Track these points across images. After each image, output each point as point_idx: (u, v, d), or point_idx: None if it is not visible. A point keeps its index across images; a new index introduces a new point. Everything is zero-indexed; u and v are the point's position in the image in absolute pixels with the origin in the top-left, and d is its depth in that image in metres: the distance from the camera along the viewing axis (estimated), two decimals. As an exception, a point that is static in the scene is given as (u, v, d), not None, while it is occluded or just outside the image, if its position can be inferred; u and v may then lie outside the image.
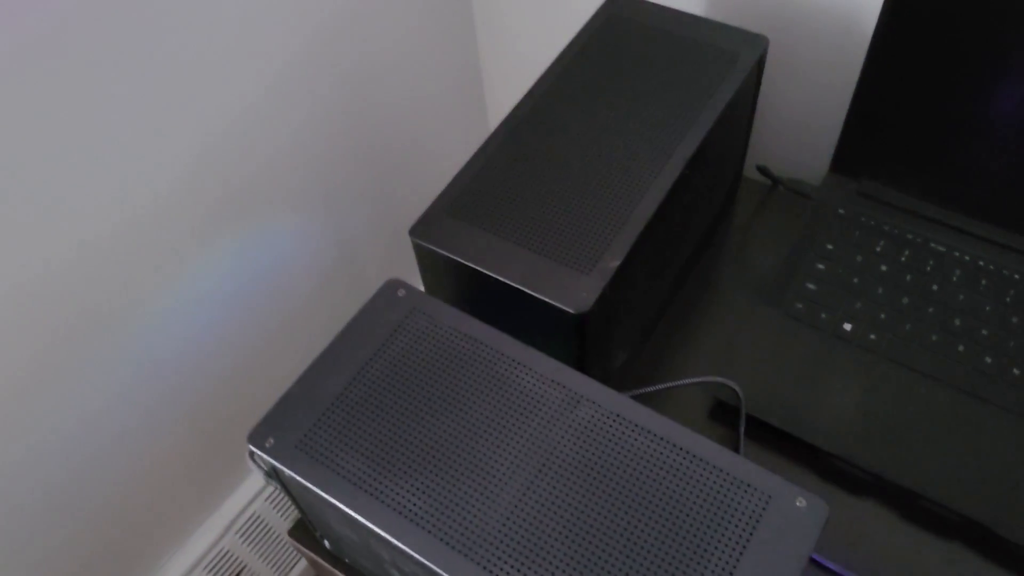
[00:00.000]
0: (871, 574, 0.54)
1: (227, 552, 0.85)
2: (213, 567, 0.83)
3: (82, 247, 0.58)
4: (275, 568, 0.91)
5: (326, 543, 0.57)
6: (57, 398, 0.62)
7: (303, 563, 0.94)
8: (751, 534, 0.41)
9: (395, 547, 0.42)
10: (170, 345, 0.69)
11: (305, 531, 0.59)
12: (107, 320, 0.63)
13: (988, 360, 0.59)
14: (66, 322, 0.60)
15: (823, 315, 0.62)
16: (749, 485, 0.43)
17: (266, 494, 0.87)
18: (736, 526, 0.41)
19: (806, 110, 0.74)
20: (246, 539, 0.86)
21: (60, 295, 0.58)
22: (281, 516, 0.90)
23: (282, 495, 0.88)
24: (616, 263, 0.51)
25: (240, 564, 0.87)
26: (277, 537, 0.90)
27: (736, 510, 0.42)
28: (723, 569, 0.40)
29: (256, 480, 0.87)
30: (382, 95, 0.78)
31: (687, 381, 0.58)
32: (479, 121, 0.90)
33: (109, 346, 0.64)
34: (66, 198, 0.56)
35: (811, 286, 0.64)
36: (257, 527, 0.87)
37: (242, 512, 0.86)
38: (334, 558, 0.58)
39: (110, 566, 0.75)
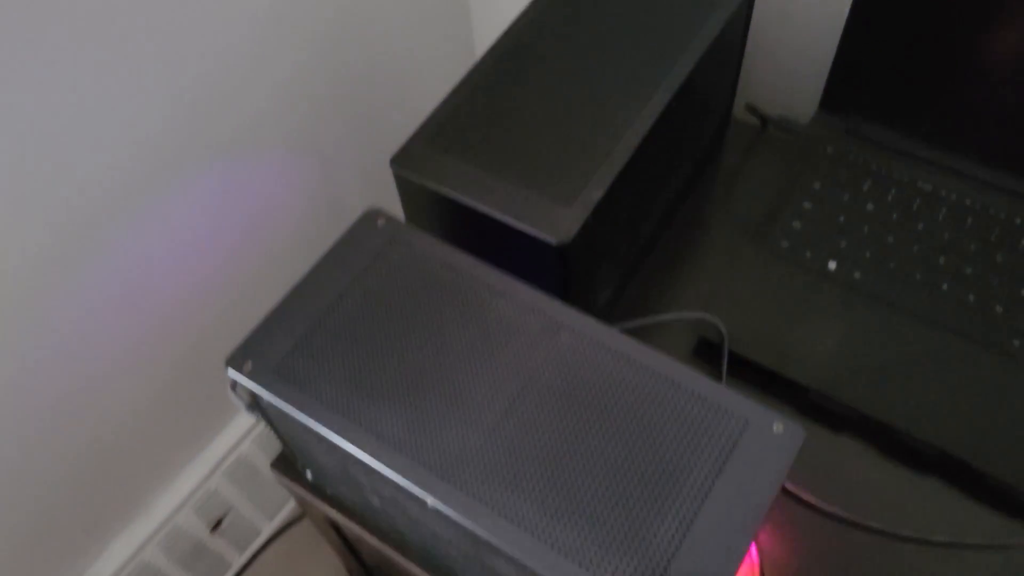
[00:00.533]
0: (849, 507, 0.55)
1: (214, 492, 0.85)
2: (200, 507, 0.84)
3: (62, 182, 0.57)
4: (261, 509, 0.92)
5: (308, 474, 0.57)
6: (37, 333, 0.61)
7: (290, 505, 0.95)
8: (727, 457, 0.41)
9: (373, 470, 0.42)
10: (152, 282, 0.69)
11: (288, 464, 0.59)
12: (87, 254, 0.62)
13: (971, 298, 0.59)
14: (46, 255, 0.59)
15: (808, 253, 0.62)
16: (727, 411, 0.43)
17: (253, 435, 0.88)
18: (713, 450, 0.41)
19: (796, 48, 0.73)
20: (233, 480, 0.87)
21: (39, 230, 0.58)
22: (268, 458, 0.90)
23: (268, 434, 0.88)
24: (599, 194, 0.51)
25: (227, 505, 0.87)
26: (264, 478, 0.90)
27: (713, 435, 0.42)
28: (699, 491, 0.40)
29: (243, 422, 0.87)
30: (367, 25, 0.76)
31: (669, 316, 0.58)
32: (465, 52, 0.89)
33: (89, 281, 0.63)
34: (45, 132, 0.55)
35: (797, 224, 0.64)
36: (244, 468, 0.88)
37: (229, 453, 0.86)
38: (316, 490, 0.58)
39: (96, 505, 0.75)
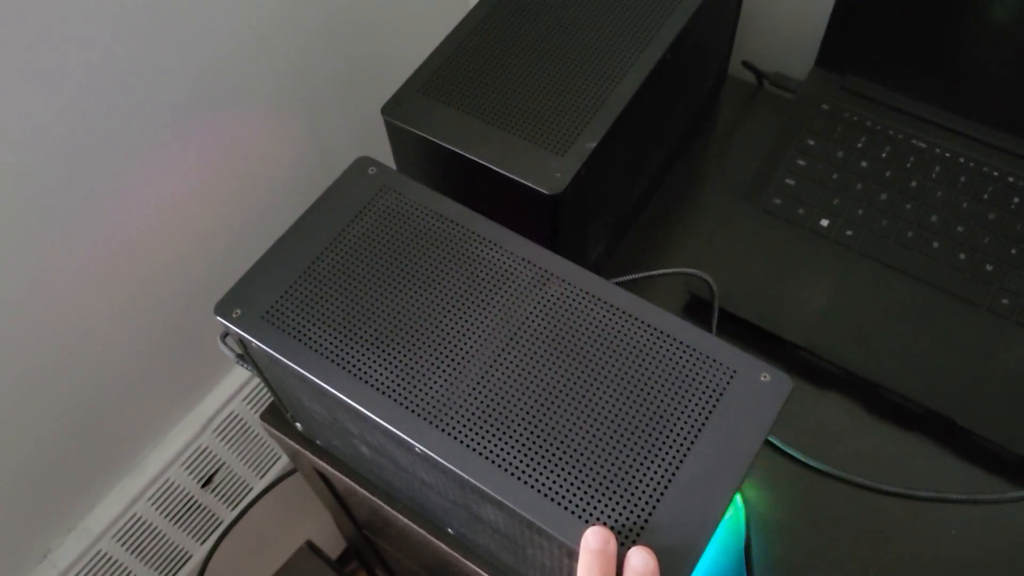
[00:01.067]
0: (835, 463, 0.55)
1: (205, 449, 0.85)
2: (190, 464, 0.84)
3: (45, 133, 0.57)
4: (252, 466, 0.92)
5: (298, 426, 0.57)
6: (23, 289, 0.61)
7: (281, 461, 0.95)
8: (715, 406, 0.41)
9: (362, 416, 0.42)
10: (139, 236, 0.68)
11: (277, 415, 0.60)
12: (72, 209, 0.61)
13: (962, 256, 0.59)
14: (30, 208, 0.58)
15: (800, 211, 0.62)
16: (715, 360, 0.43)
17: (244, 394, 0.88)
18: (700, 398, 0.42)
19: (792, 5, 0.72)
20: (224, 438, 0.87)
21: (21, 181, 0.57)
22: (258, 415, 0.90)
23: (260, 392, 0.88)
24: (592, 145, 0.51)
25: (218, 462, 0.88)
26: (254, 436, 0.91)
27: (701, 383, 0.42)
28: (686, 438, 0.40)
29: (234, 379, 0.87)
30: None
31: (660, 272, 0.58)
32: (458, 1, 0.87)
33: (75, 237, 0.63)
34: (26, 85, 0.54)
35: (790, 181, 0.63)
36: (236, 426, 0.88)
37: (220, 410, 0.86)
38: (306, 441, 0.58)
39: (88, 461, 0.75)
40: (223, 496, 0.90)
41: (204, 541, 0.88)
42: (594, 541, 0.37)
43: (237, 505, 0.91)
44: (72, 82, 0.57)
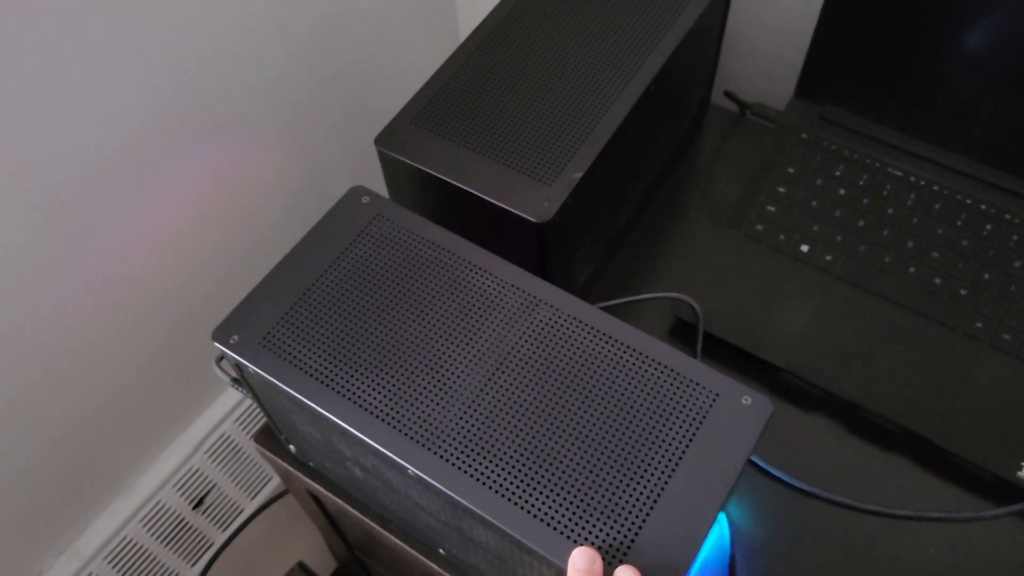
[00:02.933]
0: (816, 482, 0.57)
1: (197, 470, 0.86)
2: (182, 485, 0.85)
3: (47, 160, 0.58)
4: (244, 489, 0.93)
5: (291, 448, 0.58)
6: (18, 310, 0.62)
7: (272, 483, 0.96)
8: (698, 428, 0.43)
9: (356, 439, 0.44)
10: (136, 262, 0.69)
11: (271, 437, 0.60)
12: (70, 234, 0.62)
13: (937, 281, 0.61)
14: (27, 232, 0.59)
15: (782, 236, 0.64)
16: (698, 384, 0.44)
17: (236, 415, 0.88)
18: (684, 421, 0.43)
19: (773, 36, 0.75)
20: (216, 459, 0.88)
21: (21, 206, 0.58)
22: (250, 438, 0.91)
23: (252, 414, 0.89)
24: (579, 175, 0.52)
25: (209, 483, 0.88)
26: (246, 457, 0.91)
27: (684, 407, 0.43)
28: (670, 460, 0.42)
29: (226, 401, 0.88)
30: (352, 5, 0.77)
31: (646, 296, 0.60)
32: (450, 35, 0.89)
33: (73, 262, 0.64)
34: (30, 112, 0.55)
35: (771, 208, 0.65)
36: (227, 447, 0.88)
37: (212, 431, 0.87)
38: (299, 463, 0.59)
39: (79, 482, 0.76)
40: (214, 518, 0.90)
41: (195, 563, 0.89)
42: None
43: (228, 527, 0.91)
44: (76, 110, 0.58)
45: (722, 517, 0.56)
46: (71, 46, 0.55)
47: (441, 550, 0.53)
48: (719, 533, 0.56)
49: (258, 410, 0.90)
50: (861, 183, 0.65)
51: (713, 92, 0.76)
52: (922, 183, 0.65)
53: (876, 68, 0.65)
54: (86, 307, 0.67)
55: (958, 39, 0.60)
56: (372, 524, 0.56)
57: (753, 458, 0.58)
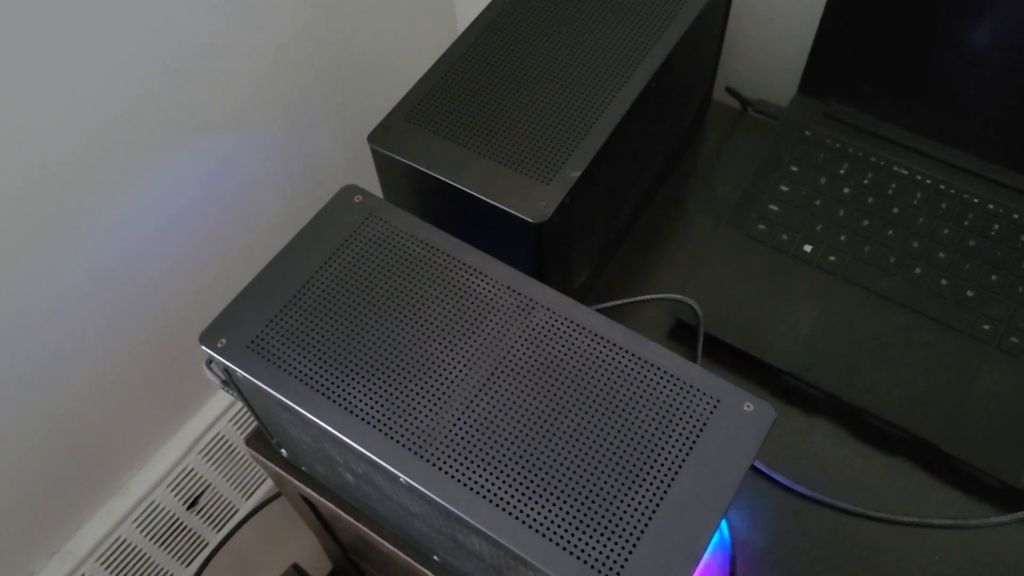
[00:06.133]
0: (819, 488, 0.56)
1: (191, 470, 0.85)
2: (176, 485, 0.84)
3: (37, 157, 0.57)
4: (239, 489, 0.92)
5: (283, 452, 0.57)
6: (8, 309, 0.61)
7: (267, 485, 0.95)
8: (699, 436, 0.42)
9: (347, 446, 0.42)
10: (126, 259, 0.68)
11: (263, 441, 0.59)
12: (60, 231, 0.61)
13: (944, 282, 0.60)
14: (17, 230, 0.58)
15: (784, 236, 0.63)
16: (699, 389, 0.43)
17: (230, 415, 0.87)
18: (684, 428, 0.42)
19: (776, 32, 0.73)
20: (210, 459, 0.87)
21: (9, 205, 0.57)
22: (243, 440, 0.90)
23: (244, 413, 0.88)
24: (577, 174, 0.51)
25: (204, 483, 0.87)
26: (241, 458, 0.90)
27: (685, 413, 0.42)
28: (670, 468, 0.41)
29: (220, 400, 0.87)
30: (347, 1, 0.75)
31: (645, 297, 0.59)
32: (447, 30, 0.88)
33: (63, 259, 0.63)
34: (22, 109, 0.54)
35: (774, 207, 0.64)
36: (222, 447, 0.87)
37: (206, 431, 0.86)
38: (291, 467, 0.58)
39: (73, 483, 0.75)
40: (209, 518, 0.89)
41: (189, 564, 0.88)
42: None
43: (223, 527, 0.91)
44: (64, 103, 0.57)
45: (723, 523, 0.55)
46: (56, 38, 0.54)
47: (436, 557, 0.52)
48: (720, 540, 0.55)
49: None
50: (866, 182, 0.64)
51: (715, 89, 0.75)
52: (928, 182, 0.63)
53: (881, 64, 0.64)
54: (76, 306, 0.66)
55: (965, 34, 0.59)
56: (365, 530, 0.55)
57: (755, 463, 0.57)
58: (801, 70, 0.68)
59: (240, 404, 0.87)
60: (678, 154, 0.71)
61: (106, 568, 0.79)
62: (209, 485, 0.88)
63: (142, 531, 0.81)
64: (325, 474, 0.53)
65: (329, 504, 0.56)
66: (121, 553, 0.80)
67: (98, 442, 0.75)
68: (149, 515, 0.81)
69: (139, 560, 0.82)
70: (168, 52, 0.62)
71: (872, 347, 0.58)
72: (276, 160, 0.77)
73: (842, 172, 0.64)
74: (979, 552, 0.53)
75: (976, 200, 0.62)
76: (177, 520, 0.85)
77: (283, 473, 0.58)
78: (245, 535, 0.92)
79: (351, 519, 0.56)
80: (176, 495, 0.84)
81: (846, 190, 0.64)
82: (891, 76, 0.64)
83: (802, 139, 0.66)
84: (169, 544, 0.85)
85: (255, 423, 0.63)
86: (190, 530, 0.87)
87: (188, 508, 0.86)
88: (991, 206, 0.62)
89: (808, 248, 0.62)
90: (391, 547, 0.54)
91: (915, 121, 0.65)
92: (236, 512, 0.92)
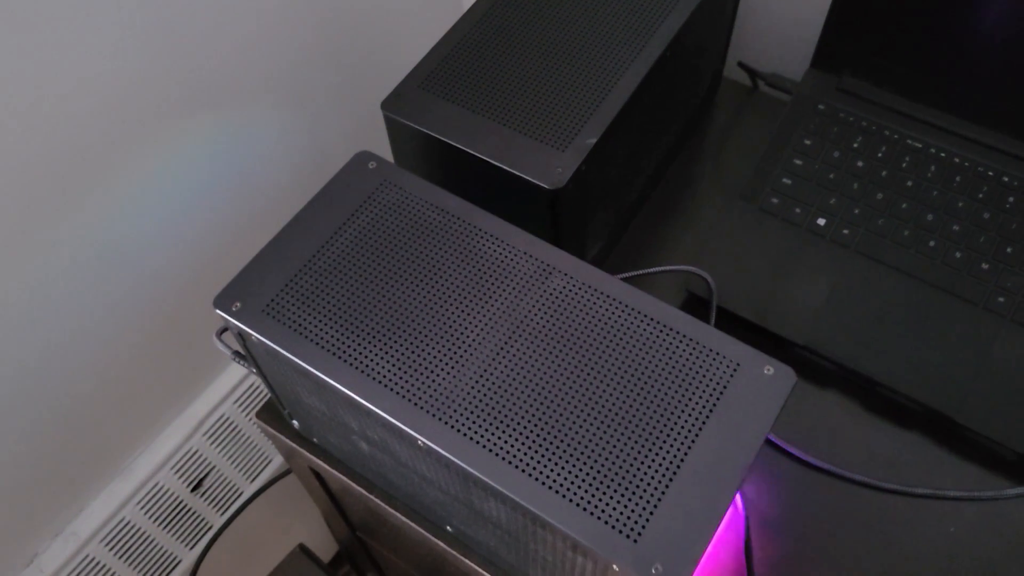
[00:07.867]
0: (833, 460, 0.55)
1: (195, 452, 0.84)
2: (180, 467, 0.83)
3: (45, 132, 0.56)
4: (243, 471, 0.91)
5: (295, 423, 0.56)
6: (16, 288, 0.60)
7: (272, 466, 0.94)
8: (718, 399, 0.41)
9: (364, 409, 0.42)
10: (134, 240, 0.67)
11: (273, 413, 0.59)
12: (68, 208, 0.61)
13: (958, 255, 0.59)
14: (26, 207, 0.58)
15: (797, 210, 0.62)
16: (718, 353, 0.43)
17: (235, 396, 0.87)
18: (704, 391, 0.41)
19: (789, 6, 0.73)
20: (215, 441, 0.86)
21: (19, 181, 0.56)
22: (249, 419, 0.89)
23: (251, 395, 0.87)
24: (592, 141, 0.50)
25: (208, 465, 0.87)
26: (246, 439, 0.90)
27: (705, 376, 0.42)
28: (689, 431, 0.40)
29: (225, 381, 0.86)
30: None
31: (658, 269, 0.58)
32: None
33: (71, 236, 0.62)
34: (29, 84, 0.53)
35: (787, 181, 0.64)
36: (226, 429, 0.87)
37: (211, 412, 0.85)
38: (302, 439, 0.58)
39: (76, 464, 0.74)
40: (213, 500, 0.89)
41: (194, 546, 0.87)
42: None
43: (228, 509, 0.90)
44: (67, 71, 0.56)
45: (737, 496, 0.55)
46: (54, 6, 0.53)
47: (448, 527, 0.52)
48: (734, 512, 0.54)
49: (258, 390, 0.88)
50: (880, 155, 0.64)
51: (727, 65, 0.74)
52: (942, 154, 0.63)
53: (895, 37, 0.63)
54: (81, 284, 0.65)
55: (981, 6, 0.58)
56: (377, 501, 0.55)
57: (769, 435, 0.56)
58: (814, 44, 0.68)
59: (246, 384, 0.87)
60: (691, 127, 0.71)
61: (110, 549, 0.78)
62: (213, 467, 0.87)
63: (146, 513, 0.81)
64: (338, 444, 0.53)
65: (341, 476, 0.56)
66: (125, 534, 0.79)
67: (102, 423, 0.75)
68: (153, 497, 0.81)
69: (143, 541, 0.81)
70: (173, 18, 0.61)
71: (886, 320, 0.58)
72: (286, 128, 0.76)
73: (856, 146, 0.64)
74: (994, 523, 0.53)
75: (991, 173, 0.62)
76: (181, 502, 0.85)
77: (294, 445, 0.57)
78: (250, 517, 0.91)
79: (363, 491, 0.55)
80: (180, 477, 0.83)
81: (860, 163, 0.63)
82: (905, 49, 0.63)
83: (815, 113, 0.66)
84: (173, 526, 0.85)
85: (261, 401, 0.62)
86: (194, 512, 0.87)
87: (192, 490, 0.86)
88: (1006, 178, 0.61)
89: (822, 221, 0.62)
90: (403, 518, 0.54)
91: (930, 94, 0.65)
92: (240, 494, 0.91)
